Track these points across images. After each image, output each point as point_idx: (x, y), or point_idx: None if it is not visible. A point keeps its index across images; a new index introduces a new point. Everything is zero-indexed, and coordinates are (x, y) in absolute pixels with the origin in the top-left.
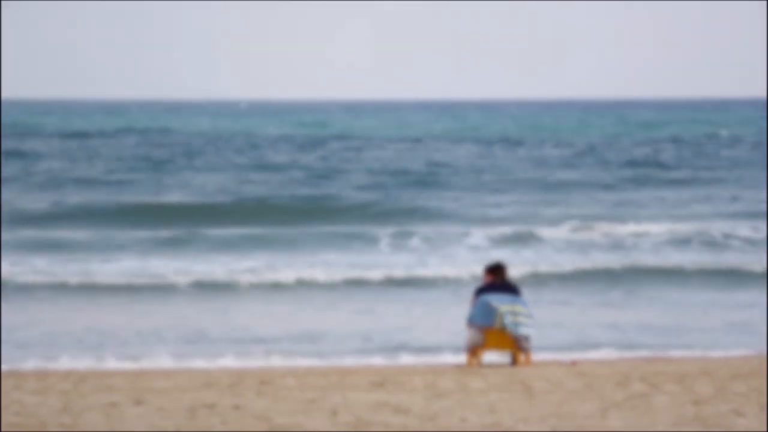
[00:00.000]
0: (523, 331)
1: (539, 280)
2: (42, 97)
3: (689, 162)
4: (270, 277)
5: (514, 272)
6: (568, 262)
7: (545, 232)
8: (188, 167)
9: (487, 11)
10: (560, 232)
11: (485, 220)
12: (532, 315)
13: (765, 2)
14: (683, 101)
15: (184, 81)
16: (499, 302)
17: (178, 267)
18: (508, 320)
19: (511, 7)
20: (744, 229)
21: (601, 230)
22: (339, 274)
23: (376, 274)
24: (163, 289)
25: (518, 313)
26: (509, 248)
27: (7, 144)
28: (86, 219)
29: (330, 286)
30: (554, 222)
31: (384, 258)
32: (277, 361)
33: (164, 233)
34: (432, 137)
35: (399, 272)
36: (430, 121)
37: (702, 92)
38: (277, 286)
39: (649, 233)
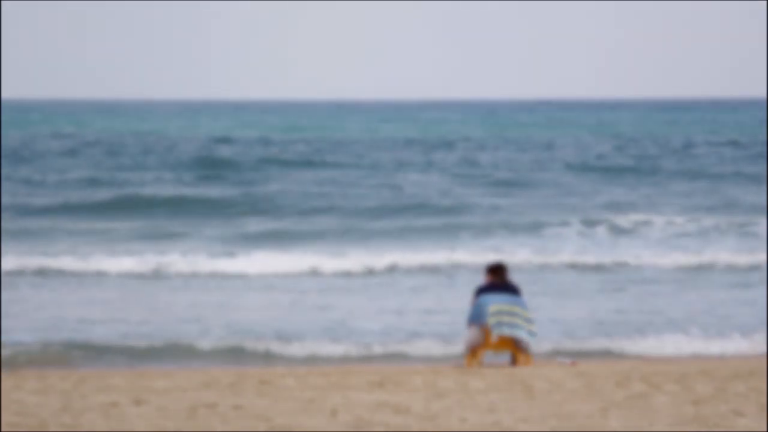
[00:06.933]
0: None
1: None
2: (42, 97)
3: None
4: None
5: None
6: None
7: None
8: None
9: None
10: None
11: None
12: (530, 317)
13: (765, 2)
14: (682, 101)
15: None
16: (494, 302)
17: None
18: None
19: (509, 6)
20: None
21: None
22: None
23: None
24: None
25: (513, 314)
26: None
27: None
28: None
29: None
30: None
31: None
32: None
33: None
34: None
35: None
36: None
37: (700, 92)
38: None
39: None
